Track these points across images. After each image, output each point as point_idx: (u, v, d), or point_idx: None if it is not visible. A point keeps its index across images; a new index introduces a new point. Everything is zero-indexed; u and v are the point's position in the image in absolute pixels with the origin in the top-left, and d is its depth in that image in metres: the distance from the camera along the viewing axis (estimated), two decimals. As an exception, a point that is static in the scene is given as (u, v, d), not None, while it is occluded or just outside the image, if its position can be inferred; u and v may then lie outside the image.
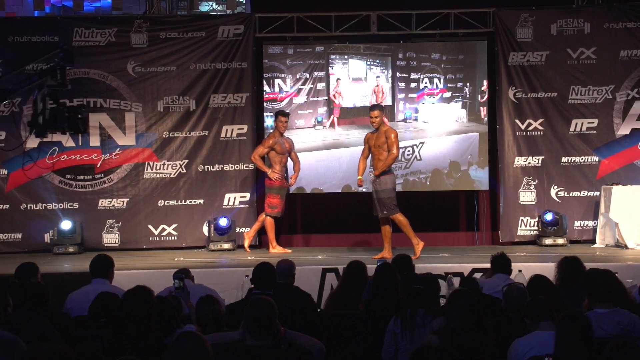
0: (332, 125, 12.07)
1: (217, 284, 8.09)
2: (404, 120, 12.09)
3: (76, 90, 11.08)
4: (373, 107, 10.57)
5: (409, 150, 12.05)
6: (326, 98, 12.08)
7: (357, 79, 12.14)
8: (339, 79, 12.11)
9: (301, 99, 12.06)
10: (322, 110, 12.09)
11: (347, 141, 12.07)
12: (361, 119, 11.92)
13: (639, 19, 11.81)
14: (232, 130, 11.97)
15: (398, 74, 12.06)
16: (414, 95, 12.07)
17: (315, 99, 12.08)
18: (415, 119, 12.10)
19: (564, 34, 11.86)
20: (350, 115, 12.11)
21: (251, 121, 11.96)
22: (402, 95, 12.08)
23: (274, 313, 4.59)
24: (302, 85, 12.06)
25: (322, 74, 12.07)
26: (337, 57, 12.11)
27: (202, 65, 11.91)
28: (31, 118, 7.35)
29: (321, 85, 12.09)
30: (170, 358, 3.81)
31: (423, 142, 12.08)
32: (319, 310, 7.34)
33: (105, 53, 11.75)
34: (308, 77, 12.05)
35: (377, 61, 12.15)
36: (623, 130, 11.85)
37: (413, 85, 12.09)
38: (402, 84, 12.07)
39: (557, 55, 11.86)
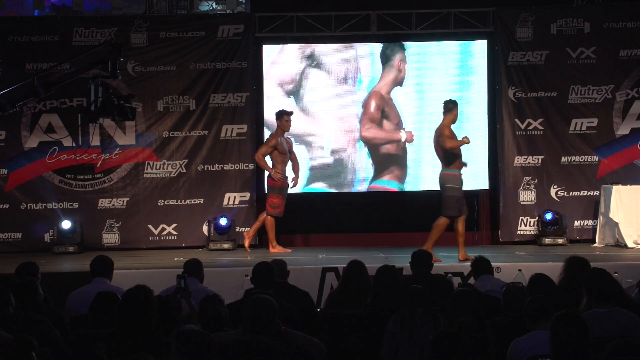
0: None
1: (217, 283, 8.09)
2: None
3: (76, 89, 11.05)
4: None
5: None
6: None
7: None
8: None
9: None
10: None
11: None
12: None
13: (639, 18, 11.81)
14: (232, 129, 11.96)
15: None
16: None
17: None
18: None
19: (564, 34, 11.86)
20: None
21: (251, 121, 11.96)
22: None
23: (275, 312, 4.60)
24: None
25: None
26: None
27: (202, 64, 11.89)
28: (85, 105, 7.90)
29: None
30: (177, 356, 3.81)
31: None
32: (318, 309, 7.34)
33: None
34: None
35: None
36: (623, 129, 11.85)
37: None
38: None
39: (556, 55, 11.86)
